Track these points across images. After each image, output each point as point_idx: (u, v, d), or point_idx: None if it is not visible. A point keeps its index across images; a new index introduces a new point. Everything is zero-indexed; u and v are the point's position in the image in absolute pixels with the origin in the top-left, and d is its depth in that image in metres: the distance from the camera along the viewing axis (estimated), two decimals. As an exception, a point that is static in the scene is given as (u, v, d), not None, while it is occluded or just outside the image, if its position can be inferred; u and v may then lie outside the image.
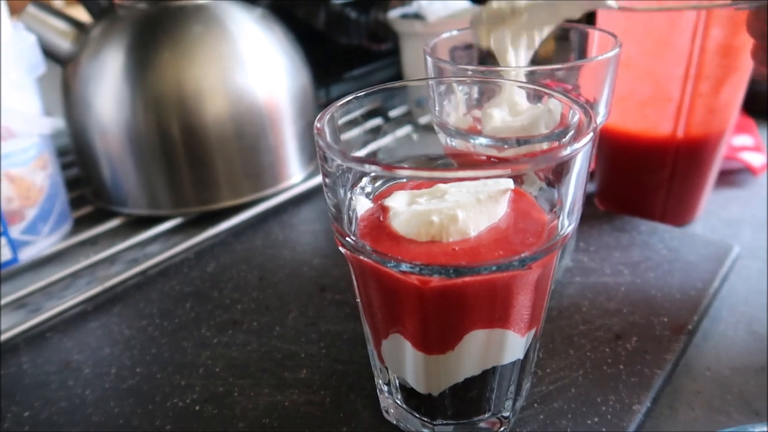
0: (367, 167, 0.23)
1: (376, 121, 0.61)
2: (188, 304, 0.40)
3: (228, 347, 0.36)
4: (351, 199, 0.26)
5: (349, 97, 0.27)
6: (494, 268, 0.22)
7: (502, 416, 0.27)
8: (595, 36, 0.38)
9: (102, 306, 0.41)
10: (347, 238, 0.24)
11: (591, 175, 0.53)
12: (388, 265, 0.23)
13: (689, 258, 0.41)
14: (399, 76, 0.78)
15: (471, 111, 0.36)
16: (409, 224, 0.24)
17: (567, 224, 0.23)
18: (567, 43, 0.42)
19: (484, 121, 0.34)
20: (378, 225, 0.25)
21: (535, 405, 0.30)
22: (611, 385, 0.31)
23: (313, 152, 0.57)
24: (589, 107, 0.24)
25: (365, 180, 0.27)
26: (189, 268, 0.44)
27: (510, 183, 0.25)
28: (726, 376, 0.34)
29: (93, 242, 0.49)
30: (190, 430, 0.30)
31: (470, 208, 0.24)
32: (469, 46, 0.52)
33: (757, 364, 0.34)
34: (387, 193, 0.27)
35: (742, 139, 0.60)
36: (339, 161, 0.22)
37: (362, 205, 0.26)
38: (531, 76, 0.34)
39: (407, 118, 0.63)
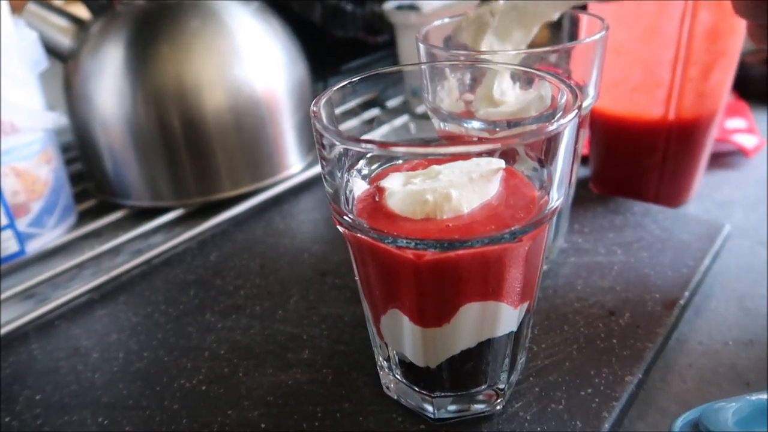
0: (363, 146, 0.23)
1: (374, 112, 0.62)
2: (192, 291, 0.41)
3: (232, 331, 0.37)
4: (348, 181, 0.27)
5: (345, 82, 0.28)
6: (486, 240, 0.23)
7: (498, 388, 0.28)
8: (584, 21, 0.39)
9: (108, 295, 0.42)
10: (345, 217, 0.25)
11: (585, 160, 0.54)
12: (385, 241, 0.23)
13: (681, 237, 0.42)
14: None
15: (463, 96, 0.36)
16: (404, 203, 0.25)
17: (556, 197, 0.24)
18: (560, 30, 0.43)
19: (476, 106, 0.35)
20: (375, 205, 0.26)
21: (531, 378, 0.31)
22: (604, 359, 0.32)
23: (311, 143, 0.58)
24: (576, 88, 0.24)
25: (362, 162, 0.27)
26: (192, 257, 0.45)
27: (501, 163, 0.26)
28: (717, 350, 0.35)
29: (98, 234, 0.50)
30: (197, 409, 0.31)
31: (463, 187, 0.25)
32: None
33: (746, 338, 0.35)
34: (383, 175, 0.28)
35: (735, 122, 0.61)
36: (335, 142, 0.23)
37: (359, 187, 0.27)
38: (522, 61, 0.35)
39: (404, 108, 0.64)
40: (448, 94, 0.36)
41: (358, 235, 0.24)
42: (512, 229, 0.23)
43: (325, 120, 0.26)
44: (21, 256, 0.45)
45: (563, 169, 0.24)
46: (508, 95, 0.34)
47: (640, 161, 0.48)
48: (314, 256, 0.44)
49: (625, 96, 0.46)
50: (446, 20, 0.39)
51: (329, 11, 0.76)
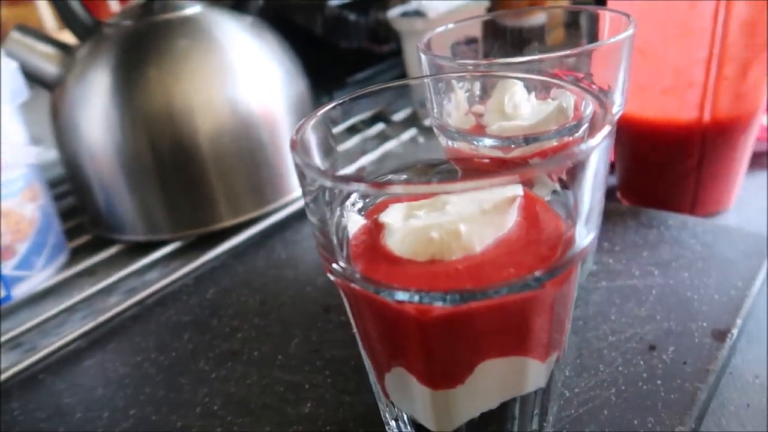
0: (353, 186, 0.20)
1: (379, 127, 0.58)
2: (186, 335, 0.38)
3: (227, 382, 0.33)
4: (341, 216, 0.23)
5: (332, 104, 0.24)
6: (505, 290, 0.19)
7: (527, 450, 0.24)
8: (606, 18, 0.35)
9: (97, 342, 0.38)
10: (334, 265, 0.21)
11: (611, 168, 0.50)
12: (381, 293, 0.20)
13: (726, 254, 0.37)
14: (403, 76, 0.76)
15: (473, 108, 0.33)
16: (405, 242, 0.21)
17: (585, 233, 0.20)
18: (577, 30, 0.39)
19: (487, 120, 0.31)
20: (372, 245, 0.22)
21: (564, 432, 0.27)
22: (649, 405, 0.28)
23: (322, 157, 0.54)
24: (603, 96, 0.20)
25: (355, 195, 0.24)
26: (188, 295, 0.42)
27: (519, 189, 0.22)
28: (778, 386, 0.31)
29: (91, 272, 0.47)
30: (185, 479, 0.27)
31: (474, 221, 0.21)
32: (472, 41, 0.49)
33: (812, 370, 0.31)
34: (382, 207, 0.24)
35: (773, 119, 0.56)
36: (318, 180, 0.20)
37: (354, 223, 0.23)
38: (538, 68, 0.31)
39: (412, 121, 0.60)
40: (456, 107, 0.33)
41: (352, 285, 0.21)
42: (536, 274, 0.19)
43: (313, 149, 0.22)
44: (7, 302, 0.42)
45: (593, 198, 0.20)
46: (522, 107, 0.30)
47: (673, 168, 0.44)
48: (318, 289, 0.40)
49: (654, 99, 0.42)
50: (450, 26, 0.35)
51: (331, 22, 0.73)
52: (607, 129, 0.18)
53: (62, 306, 0.41)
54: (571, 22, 0.40)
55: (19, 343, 0.40)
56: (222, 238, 0.47)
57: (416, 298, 0.19)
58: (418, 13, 0.66)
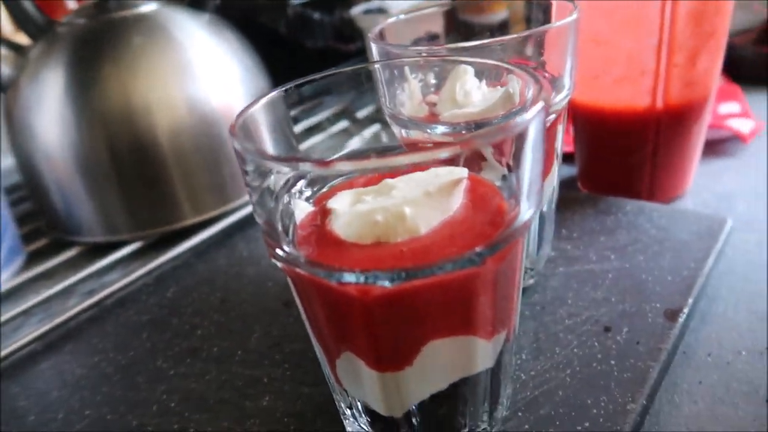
0: (293, 166, 0.20)
1: (343, 124, 0.58)
2: (145, 334, 0.37)
3: (186, 378, 0.33)
4: (288, 204, 0.23)
5: (277, 90, 0.24)
6: (447, 267, 0.19)
7: (481, 430, 0.24)
8: (554, 7, 0.35)
9: (54, 344, 0.38)
10: (277, 250, 0.21)
11: (571, 158, 0.50)
12: (323, 275, 0.20)
13: (680, 236, 0.38)
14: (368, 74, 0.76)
15: (427, 98, 0.33)
16: (351, 226, 0.21)
17: (526, 208, 0.21)
18: (538, 23, 0.39)
19: (440, 109, 0.31)
20: (319, 230, 0.22)
21: (519, 414, 0.27)
22: (602, 384, 0.28)
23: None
24: (544, 78, 0.21)
25: (301, 183, 0.24)
26: (147, 294, 0.41)
27: (464, 172, 0.23)
28: (729, 362, 0.31)
29: (49, 275, 0.46)
30: (140, 477, 0.27)
31: (419, 203, 0.21)
32: (434, 36, 0.49)
33: (761, 346, 0.31)
34: (330, 194, 0.24)
35: (729, 107, 0.58)
36: (257, 162, 0.19)
37: (301, 210, 0.23)
38: (491, 56, 0.31)
39: (376, 117, 0.60)
40: (409, 97, 0.33)
41: (296, 270, 0.21)
42: (477, 250, 0.19)
43: (250, 136, 0.22)
44: (-40, 307, 0.41)
45: (532, 173, 0.20)
46: (473, 94, 0.30)
47: (629, 155, 0.44)
48: (278, 285, 0.40)
49: (608, 88, 0.42)
50: (402, 17, 0.35)
51: (296, 21, 0.73)
52: (540, 105, 0.19)
53: (18, 309, 0.41)
54: (530, 16, 0.40)
55: (-27, 348, 0.39)
56: (183, 237, 0.46)
57: (359, 279, 0.19)
58: (381, 11, 0.66)
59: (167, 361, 0.34)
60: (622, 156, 0.45)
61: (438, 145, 0.19)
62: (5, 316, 0.40)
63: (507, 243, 0.20)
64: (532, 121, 0.19)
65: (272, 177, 0.21)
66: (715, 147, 0.53)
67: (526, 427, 0.26)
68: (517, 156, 0.20)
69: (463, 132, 0.29)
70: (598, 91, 0.43)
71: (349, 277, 0.19)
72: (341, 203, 0.23)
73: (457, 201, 0.22)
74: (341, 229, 0.21)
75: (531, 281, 0.35)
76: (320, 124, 0.58)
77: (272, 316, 0.37)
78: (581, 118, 0.46)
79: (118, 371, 0.34)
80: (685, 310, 0.32)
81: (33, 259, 0.48)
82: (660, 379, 0.29)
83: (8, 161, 0.52)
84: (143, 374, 0.34)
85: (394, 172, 0.24)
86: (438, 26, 0.44)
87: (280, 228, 0.22)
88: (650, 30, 0.39)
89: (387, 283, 0.19)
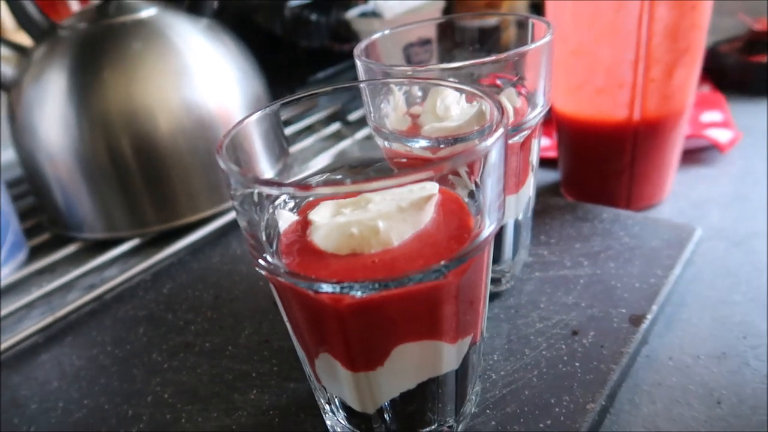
0: (275, 189, 0.22)
1: (335, 127, 0.60)
2: (141, 329, 0.39)
3: (178, 372, 0.35)
4: (272, 214, 0.25)
5: (258, 114, 0.26)
6: (413, 279, 0.21)
7: (448, 426, 0.27)
8: (531, 25, 0.37)
9: (54, 337, 0.40)
10: (260, 260, 0.23)
11: (555, 165, 0.52)
12: (302, 285, 0.22)
13: (651, 244, 0.40)
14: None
15: (411, 110, 0.35)
16: (329, 238, 0.23)
17: (487, 224, 0.22)
18: (525, 32, 0.41)
19: (422, 121, 0.33)
20: (300, 241, 0.24)
21: (488, 411, 0.29)
22: (566, 385, 0.30)
23: (272, 159, 0.56)
24: (497, 101, 0.23)
25: (285, 196, 0.26)
26: (145, 290, 0.43)
27: (434, 188, 0.24)
28: (688, 365, 0.33)
29: (50, 270, 0.48)
30: (134, 463, 0.29)
31: (392, 218, 0.23)
32: (426, 41, 0.51)
33: (719, 350, 0.33)
34: (314, 205, 0.26)
35: (711, 115, 0.59)
36: (239, 184, 0.21)
37: (285, 220, 0.25)
38: (471, 72, 0.33)
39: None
40: (393, 109, 0.34)
41: (279, 278, 0.23)
42: (441, 263, 0.21)
43: (250, 151, 0.24)
44: (-35, 299, 0.43)
45: (492, 192, 0.22)
46: (452, 109, 0.32)
47: (608, 164, 0.46)
48: (269, 284, 0.41)
49: (589, 98, 0.44)
50: (387, 32, 0.37)
51: (292, 22, 0.74)
52: (500, 131, 0.21)
53: (20, 303, 0.43)
54: (518, 25, 0.42)
55: (-23, 339, 0.41)
56: (180, 235, 0.48)
57: (334, 289, 0.21)
58: (375, 14, 0.68)
59: (162, 354, 0.36)
60: (602, 164, 0.47)
61: (409, 169, 0.21)
62: (8, 309, 0.42)
63: (469, 258, 0.21)
64: (492, 146, 0.21)
65: (256, 191, 0.23)
66: (694, 155, 0.54)
67: (493, 423, 0.28)
68: (478, 173, 0.22)
69: (441, 146, 0.31)
70: (580, 101, 0.45)
71: (325, 287, 0.21)
72: (321, 215, 0.25)
73: (428, 215, 0.24)
74: (320, 240, 0.23)
75: (507, 285, 0.37)
76: (312, 126, 0.59)
77: (262, 314, 0.39)
78: (564, 126, 0.48)
79: (116, 363, 0.36)
80: (649, 317, 0.34)
81: (35, 253, 0.50)
82: (621, 381, 0.31)
83: (9, 154, 0.54)
84: (139, 367, 0.36)
85: (370, 188, 0.26)
86: (431, 31, 0.46)
87: (264, 238, 0.24)
88: (628, 44, 0.41)
89: (359, 293, 0.21)
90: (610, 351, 0.32)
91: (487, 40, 0.44)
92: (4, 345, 0.38)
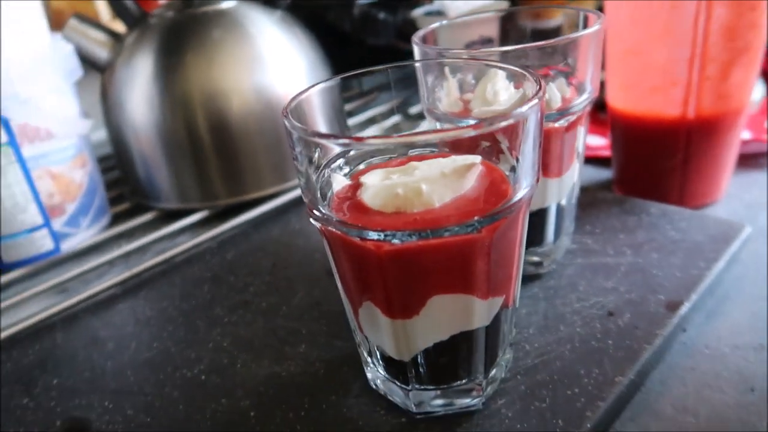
0: (329, 141, 0.24)
1: (395, 119, 0.63)
2: (206, 287, 0.43)
3: (236, 325, 0.38)
4: (328, 176, 0.28)
5: (326, 81, 0.28)
6: (448, 231, 0.23)
7: (477, 383, 0.28)
8: (582, 18, 0.38)
9: (130, 290, 0.44)
10: (314, 210, 0.26)
11: (608, 162, 0.53)
12: (350, 233, 0.24)
13: (696, 239, 0.40)
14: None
15: (464, 96, 0.37)
16: (376, 197, 0.26)
17: (522, 186, 0.24)
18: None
19: (473, 105, 0.35)
20: (351, 199, 0.27)
21: (518, 376, 0.31)
22: (596, 359, 0.31)
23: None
24: (539, 76, 0.25)
25: (341, 161, 0.28)
26: (210, 255, 0.47)
27: (477, 159, 0.26)
28: (724, 354, 0.34)
29: (129, 235, 0.53)
30: (193, 397, 0.33)
31: (435, 182, 0.25)
32: (488, 40, 0.53)
33: (757, 342, 0.34)
34: (366, 172, 0.28)
35: (777, 122, 0.58)
36: (301, 137, 0.24)
37: (339, 183, 0.28)
38: (519, 59, 0.35)
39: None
40: (447, 94, 0.37)
41: (329, 228, 0.25)
42: (473, 220, 0.23)
43: (302, 118, 0.27)
44: (56, 254, 0.48)
45: (527, 160, 0.24)
46: (501, 94, 0.34)
47: (661, 162, 0.47)
48: (324, 256, 0.44)
49: (643, 96, 0.45)
50: (445, 23, 0.39)
51: (360, 19, 0.78)
52: (535, 101, 0.23)
53: (103, 259, 0.47)
54: (579, 23, 0.43)
55: (64, 288, 0.46)
56: (244, 209, 0.52)
57: (379, 236, 0.24)
58: (440, 13, 0.70)
59: (223, 310, 0.40)
60: (654, 162, 0.47)
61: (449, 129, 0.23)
62: (93, 264, 0.47)
63: (502, 216, 0.23)
64: (528, 114, 0.23)
65: (316, 153, 0.26)
66: (755, 159, 0.54)
67: (522, 388, 0.30)
68: (514, 139, 0.24)
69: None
70: (634, 99, 0.46)
71: (368, 235, 0.24)
72: (372, 179, 0.27)
73: (469, 182, 0.26)
74: (369, 199, 0.26)
75: (549, 268, 0.39)
76: (374, 118, 0.62)
77: (315, 281, 0.42)
78: (618, 123, 0.48)
79: (182, 315, 0.40)
80: (687, 304, 0.34)
81: (116, 220, 0.55)
82: (653, 362, 0.32)
83: (101, 134, 0.59)
84: (203, 319, 0.39)
85: (422, 156, 0.28)
86: (493, 30, 0.47)
87: (318, 195, 0.27)
88: (683, 43, 0.41)
89: (398, 241, 0.23)
90: (644, 332, 0.33)
91: (549, 39, 0.45)
92: (89, 293, 0.43)
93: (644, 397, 0.32)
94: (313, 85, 0.28)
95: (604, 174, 0.55)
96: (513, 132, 0.24)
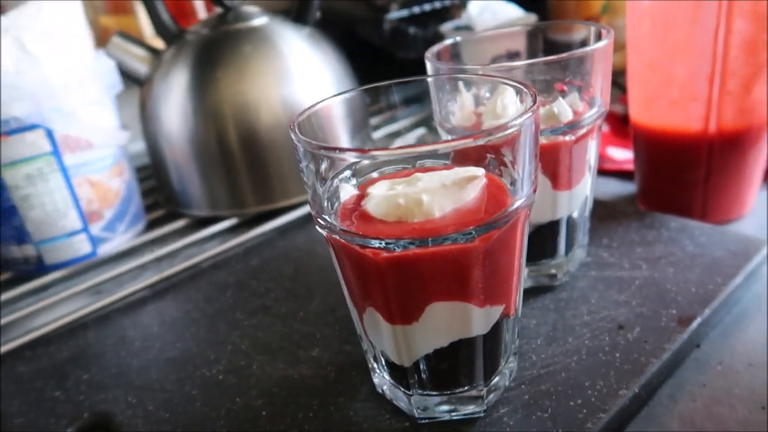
0: (326, 153, 0.26)
1: (419, 132, 0.64)
2: (229, 292, 0.45)
3: (255, 328, 0.40)
4: (336, 187, 0.29)
5: (330, 97, 0.30)
6: (444, 240, 0.24)
7: (479, 391, 0.29)
8: (594, 33, 0.38)
9: (159, 293, 0.46)
10: (319, 219, 0.27)
11: (631, 176, 0.53)
12: (352, 241, 0.25)
13: (715, 254, 0.40)
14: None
15: (477, 109, 0.38)
16: (379, 206, 0.27)
17: (518, 198, 0.25)
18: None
19: (484, 119, 0.36)
20: (355, 209, 0.28)
21: (522, 386, 0.31)
22: (602, 371, 0.32)
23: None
24: (531, 90, 0.25)
25: (348, 172, 0.30)
26: (236, 261, 0.49)
27: (479, 171, 0.27)
28: (737, 371, 0.33)
29: (161, 240, 0.55)
30: (211, 395, 0.34)
31: (436, 192, 0.26)
32: (514, 54, 0.53)
33: (771, 360, 0.33)
34: (373, 183, 0.30)
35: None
36: (305, 149, 0.26)
37: (346, 192, 0.29)
38: (533, 76, 0.36)
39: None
40: (460, 107, 0.38)
41: (333, 236, 0.27)
42: (468, 229, 0.24)
43: (320, 130, 0.28)
44: (93, 257, 0.51)
45: (523, 169, 0.25)
46: (509, 108, 0.35)
47: (683, 177, 0.46)
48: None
49: (664, 111, 0.45)
50: (458, 39, 0.40)
51: (391, 34, 0.80)
52: (528, 114, 0.23)
53: (136, 263, 0.50)
54: (591, 38, 0.43)
55: (99, 290, 0.49)
56: (271, 217, 0.54)
57: (379, 243, 0.25)
58: (468, 28, 0.71)
59: (243, 313, 0.42)
60: (676, 177, 0.47)
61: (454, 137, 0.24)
62: (126, 267, 0.50)
63: (497, 226, 0.24)
64: (521, 126, 0.23)
65: (323, 165, 0.27)
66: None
67: (526, 397, 0.31)
68: (511, 151, 0.25)
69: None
70: (654, 114, 0.46)
71: (369, 243, 0.25)
72: (377, 189, 0.28)
73: (469, 194, 0.27)
74: (372, 208, 0.27)
75: (562, 281, 0.39)
76: (399, 131, 0.64)
77: (331, 287, 0.43)
78: (640, 137, 0.48)
79: (205, 317, 0.42)
80: (699, 318, 0.34)
81: (151, 226, 0.58)
82: (662, 377, 0.32)
83: (140, 146, 0.62)
84: (224, 322, 0.41)
85: (426, 168, 0.29)
86: (520, 45, 0.48)
87: (325, 204, 0.28)
88: (703, 58, 0.41)
89: (397, 249, 0.24)
90: (653, 346, 0.33)
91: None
92: (121, 294, 0.45)
93: (651, 411, 0.32)
94: (324, 99, 0.30)
95: (628, 188, 0.55)
96: (508, 144, 0.25)
